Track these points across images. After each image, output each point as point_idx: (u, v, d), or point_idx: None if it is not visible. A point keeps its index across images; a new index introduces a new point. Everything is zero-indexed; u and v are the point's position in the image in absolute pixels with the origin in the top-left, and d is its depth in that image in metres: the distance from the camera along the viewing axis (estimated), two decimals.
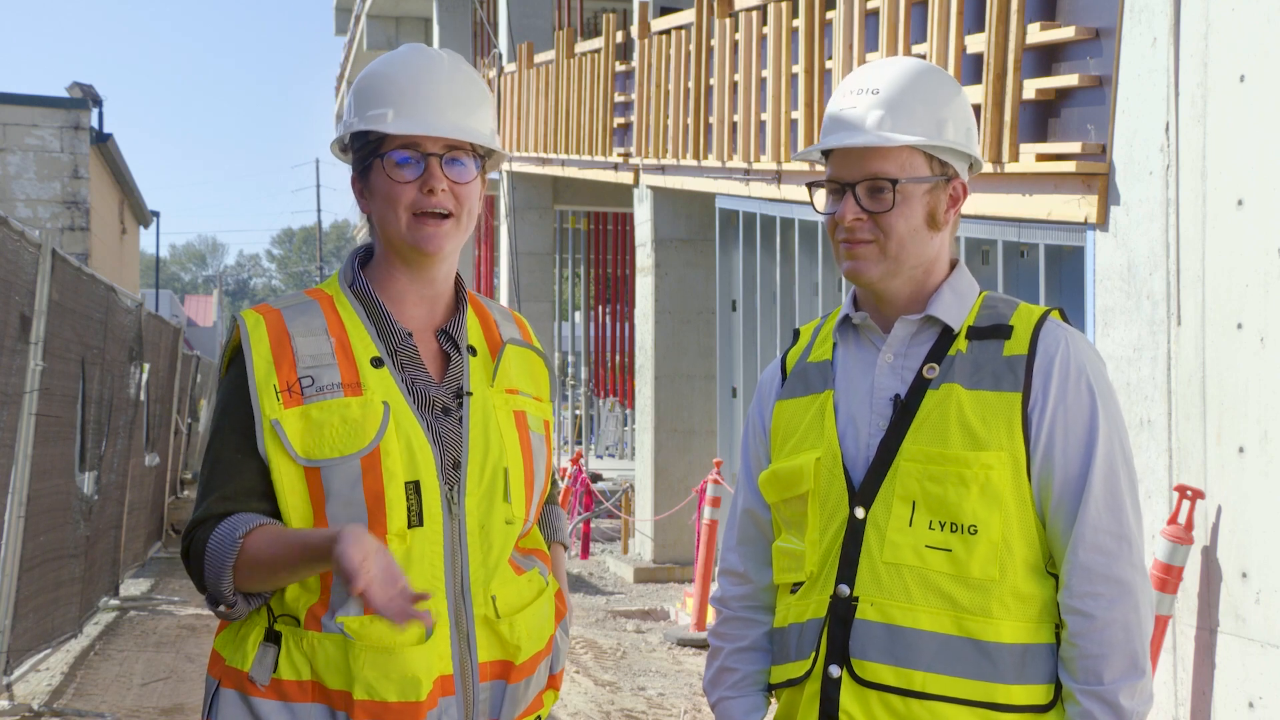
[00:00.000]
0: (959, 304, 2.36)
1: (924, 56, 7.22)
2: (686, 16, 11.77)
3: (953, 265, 2.41)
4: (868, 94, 2.35)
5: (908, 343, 2.36)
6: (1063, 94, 6.35)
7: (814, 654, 2.30)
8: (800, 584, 2.36)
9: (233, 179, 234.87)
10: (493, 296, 18.92)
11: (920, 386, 2.31)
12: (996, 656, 2.22)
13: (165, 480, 14.79)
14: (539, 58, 16.50)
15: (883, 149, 2.32)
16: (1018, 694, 2.23)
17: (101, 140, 18.98)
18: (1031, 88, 6.43)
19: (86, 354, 8.68)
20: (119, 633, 9.77)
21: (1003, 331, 2.32)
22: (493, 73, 18.33)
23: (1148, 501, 5.41)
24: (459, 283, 2.46)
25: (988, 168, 6.58)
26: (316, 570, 2.20)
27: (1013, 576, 2.24)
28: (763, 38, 9.94)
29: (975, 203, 6.66)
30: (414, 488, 2.26)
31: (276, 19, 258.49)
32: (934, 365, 2.32)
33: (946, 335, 2.34)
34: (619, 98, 13.68)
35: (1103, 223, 5.82)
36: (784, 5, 9.49)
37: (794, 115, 9.30)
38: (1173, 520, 5.14)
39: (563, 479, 14.21)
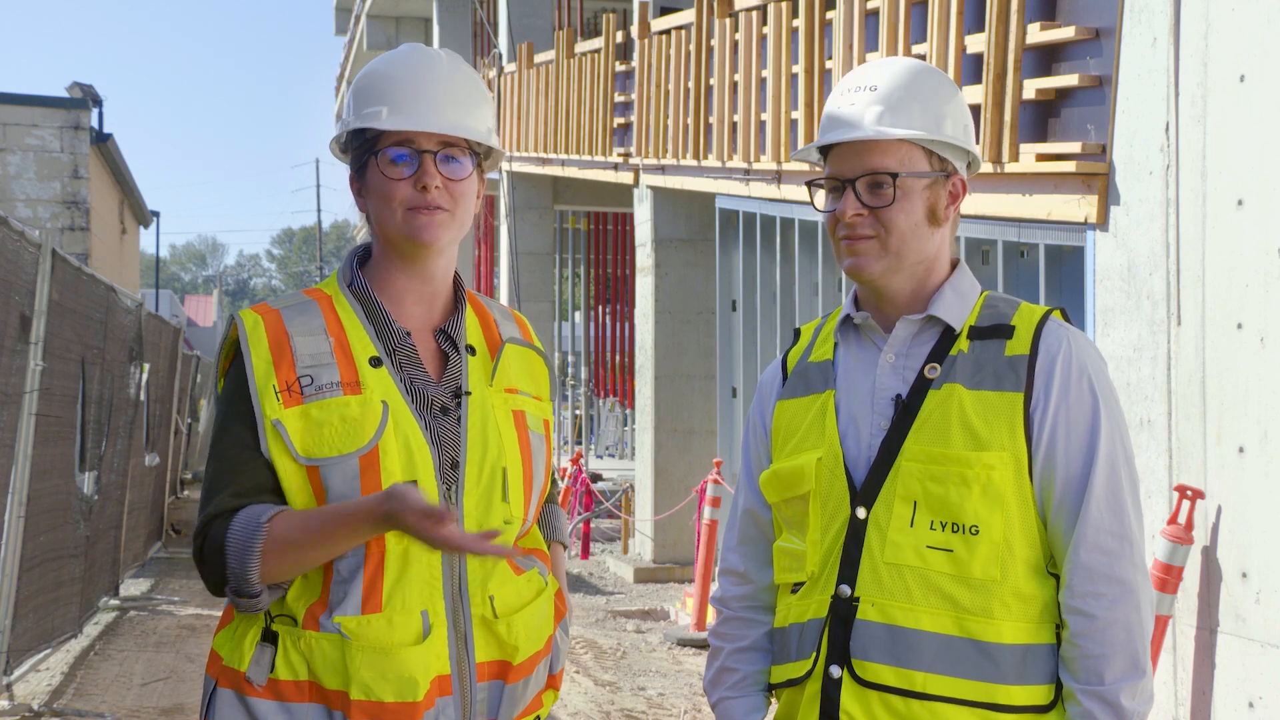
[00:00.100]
0: (961, 304, 2.36)
1: (924, 56, 7.21)
2: (686, 16, 11.77)
3: (954, 265, 2.41)
4: (866, 91, 2.36)
5: (909, 342, 2.36)
6: (1063, 94, 6.35)
7: (815, 654, 2.30)
8: (801, 584, 2.36)
9: (233, 179, 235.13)
10: (493, 296, 18.92)
11: (922, 386, 2.31)
12: (997, 657, 2.22)
13: (165, 480, 14.79)
14: (539, 58, 16.50)
15: (881, 144, 2.32)
16: (1018, 694, 2.23)
17: (101, 140, 18.99)
18: (1031, 88, 6.43)
19: (86, 354, 8.68)
20: (119, 633, 9.76)
21: (1004, 331, 2.32)
22: (493, 73, 18.34)
23: (1148, 501, 5.41)
24: (458, 282, 2.46)
25: (987, 168, 6.58)
26: (354, 542, 2.20)
27: (1014, 577, 2.24)
28: (763, 38, 9.94)
29: (975, 203, 6.66)
30: None
31: (276, 19, 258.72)
32: (935, 365, 2.32)
33: (948, 335, 2.34)
34: (619, 98, 13.68)
35: (1103, 223, 5.82)
36: (784, 5, 9.49)
37: (794, 115, 9.29)
38: (1173, 520, 5.14)
39: (563, 479, 14.21)
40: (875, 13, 8.05)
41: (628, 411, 26.89)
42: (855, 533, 2.29)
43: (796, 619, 2.35)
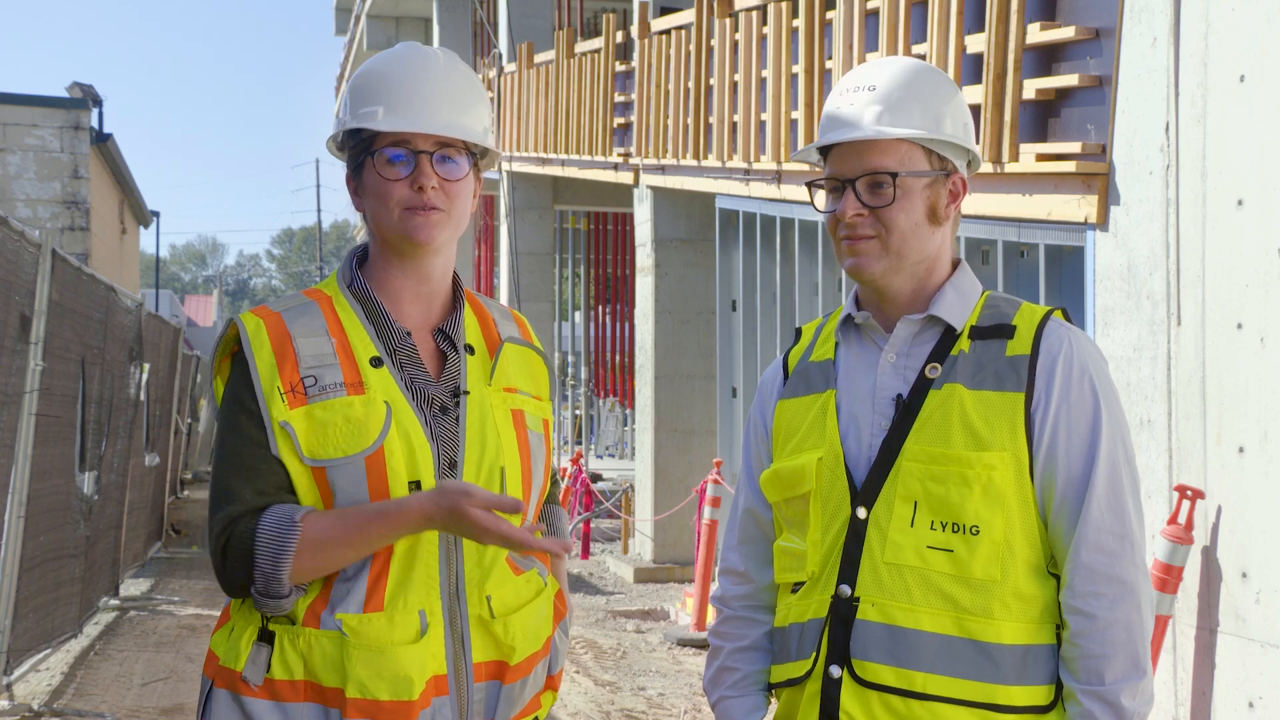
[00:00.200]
0: (962, 303, 2.35)
1: (924, 56, 7.21)
2: (686, 16, 11.77)
3: (955, 265, 2.40)
4: (865, 91, 2.35)
5: (910, 342, 2.36)
6: (1063, 94, 6.35)
7: (815, 654, 2.30)
8: (801, 584, 2.36)
9: (233, 179, 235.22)
10: (493, 296, 18.92)
11: (923, 386, 2.31)
12: (997, 657, 2.22)
13: (165, 480, 14.79)
14: (539, 58, 16.50)
15: (881, 143, 2.32)
16: (1018, 695, 2.22)
17: (101, 140, 18.99)
18: (1031, 88, 6.43)
19: (86, 354, 8.68)
20: (119, 633, 9.76)
21: (1005, 331, 2.31)
22: (493, 73, 18.33)
23: (1148, 501, 5.41)
24: (456, 281, 2.46)
25: (987, 168, 6.57)
26: (389, 540, 2.21)
27: (1014, 577, 2.24)
28: (763, 38, 9.94)
29: (975, 203, 6.66)
30: (415, 487, 2.25)
31: (276, 19, 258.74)
32: (936, 365, 2.31)
33: (949, 335, 2.34)
34: (619, 98, 13.68)
35: (1103, 223, 5.82)
36: (784, 5, 9.48)
37: (794, 115, 9.29)
38: (1173, 520, 5.14)
39: (563, 479, 14.21)
40: (875, 13, 8.05)
41: (628, 411, 26.89)
42: (856, 533, 2.29)
43: (796, 619, 2.35)
